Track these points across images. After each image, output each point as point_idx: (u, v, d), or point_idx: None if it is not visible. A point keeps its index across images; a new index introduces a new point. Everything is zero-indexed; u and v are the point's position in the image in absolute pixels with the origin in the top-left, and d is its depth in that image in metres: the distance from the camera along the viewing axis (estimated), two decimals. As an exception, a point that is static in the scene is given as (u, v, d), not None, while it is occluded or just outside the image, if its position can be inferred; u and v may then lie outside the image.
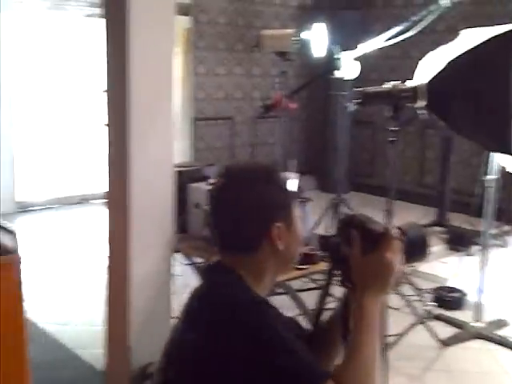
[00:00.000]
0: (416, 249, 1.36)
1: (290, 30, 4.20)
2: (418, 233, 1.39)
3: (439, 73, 3.20)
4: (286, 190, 1.39)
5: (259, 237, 1.33)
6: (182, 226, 2.86)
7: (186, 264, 3.03)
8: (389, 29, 3.90)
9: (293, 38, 4.12)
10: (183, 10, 5.89)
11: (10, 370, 1.92)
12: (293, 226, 1.37)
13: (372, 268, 1.29)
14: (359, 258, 1.31)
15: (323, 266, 2.80)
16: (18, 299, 1.94)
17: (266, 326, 1.20)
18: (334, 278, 1.40)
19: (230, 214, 1.35)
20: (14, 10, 5.67)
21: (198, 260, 2.90)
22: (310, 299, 3.32)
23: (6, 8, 5.51)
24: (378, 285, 1.29)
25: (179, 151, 5.90)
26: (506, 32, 3.01)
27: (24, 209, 5.94)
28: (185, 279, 3.15)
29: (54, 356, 3.24)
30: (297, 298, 2.88)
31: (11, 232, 2.02)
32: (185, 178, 2.96)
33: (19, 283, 1.93)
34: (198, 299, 1.33)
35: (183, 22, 6.08)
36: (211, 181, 2.94)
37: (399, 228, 1.36)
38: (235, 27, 6.48)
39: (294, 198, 1.41)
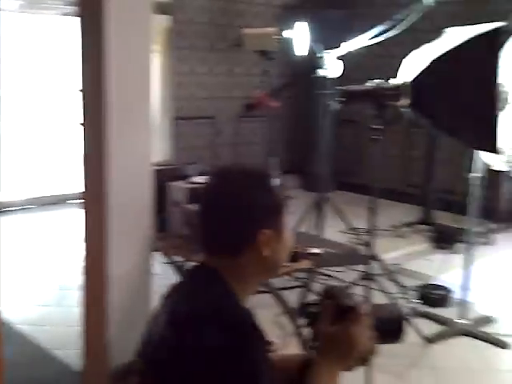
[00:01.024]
0: (389, 329, 1.38)
1: (272, 29, 4.18)
2: (393, 313, 1.41)
3: (423, 71, 3.19)
4: (278, 197, 1.38)
5: (246, 241, 1.32)
6: (162, 224, 2.82)
7: (166, 263, 2.99)
8: (372, 28, 3.90)
9: (275, 37, 4.10)
10: (162, 9, 5.84)
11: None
12: (281, 233, 1.36)
13: (336, 340, 1.30)
14: (326, 328, 1.31)
15: (306, 264, 2.78)
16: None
17: (248, 356, 1.19)
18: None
19: (218, 215, 1.34)
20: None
21: (178, 259, 2.86)
22: (293, 297, 3.30)
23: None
24: (338, 357, 1.30)
25: (159, 150, 5.86)
26: (489, 31, 3.00)
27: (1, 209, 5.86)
28: (164, 278, 3.10)
29: (31, 356, 3.20)
30: (279, 296, 2.85)
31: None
32: (164, 176, 2.93)
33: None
34: (180, 301, 1.31)
35: (162, 20, 6.03)
36: (195, 179, 2.91)
37: (375, 306, 1.39)
38: (216, 26, 6.45)
39: (285, 205, 1.39)
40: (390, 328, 1.38)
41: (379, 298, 3.47)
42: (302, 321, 1.84)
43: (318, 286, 3.65)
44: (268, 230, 1.32)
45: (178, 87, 6.25)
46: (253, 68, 6.16)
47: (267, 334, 1.28)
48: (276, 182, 1.40)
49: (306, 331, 1.39)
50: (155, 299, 2.53)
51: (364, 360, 1.34)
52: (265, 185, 1.37)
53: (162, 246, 2.79)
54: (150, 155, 2.63)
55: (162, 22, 6.01)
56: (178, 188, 2.89)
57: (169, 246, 2.81)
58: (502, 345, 3.43)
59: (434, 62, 3.16)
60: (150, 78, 2.62)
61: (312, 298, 3.33)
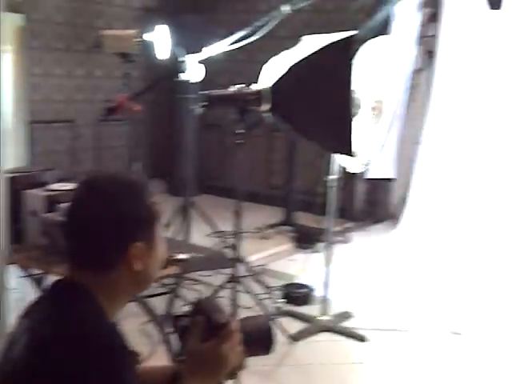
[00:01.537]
0: (259, 342, 1.39)
1: (131, 31, 4.11)
2: (263, 326, 1.42)
3: (281, 77, 3.29)
4: (150, 207, 1.31)
5: (116, 255, 1.25)
6: (17, 235, 2.65)
7: (22, 276, 2.82)
8: (233, 33, 3.96)
9: (135, 40, 4.04)
10: (14, 7, 5.51)
11: None
12: (154, 246, 1.30)
13: (205, 358, 1.28)
14: (196, 345, 1.28)
15: (173, 270, 2.75)
16: None
17: (115, 376, 1.14)
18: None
19: (86, 227, 1.25)
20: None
21: (36, 271, 2.71)
22: (160, 304, 3.25)
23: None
24: (207, 374, 1.28)
25: (13, 156, 5.52)
26: (342, 39, 3.15)
27: None
28: (21, 293, 2.94)
29: None
30: (145, 304, 2.80)
31: None
32: (20, 184, 2.75)
33: None
34: (42, 320, 1.21)
35: (14, 19, 5.69)
36: (53, 186, 2.77)
37: (244, 319, 1.39)
38: (73, 27, 6.20)
39: (157, 216, 1.32)
40: (260, 341, 1.39)
41: (245, 300, 3.52)
42: (171, 332, 1.83)
43: (185, 292, 3.65)
44: (140, 242, 1.26)
45: (33, 89, 5.93)
46: (114, 71, 5.99)
47: (133, 345, 1.24)
48: (148, 190, 1.34)
49: (176, 344, 1.37)
50: (12, 316, 2.38)
51: (233, 374, 1.34)
52: (134, 194, 1.30)
53: (18, 258, 2.62)
54: (2, 162, 2.46)
55: (14, 20, 5.67)
56: (35, 196, 2.73)
57: (25, 258, 2.65)
58: (360, 338, 3.62)
59: (292, 68, 3.27)
60: (1, 80, 2.46)
61: (180, 305, 3.32)
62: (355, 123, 3.18)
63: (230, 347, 1.29)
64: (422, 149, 5.86)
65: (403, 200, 5.99)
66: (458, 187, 5.60)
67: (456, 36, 5.59)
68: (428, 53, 5.84)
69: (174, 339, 1.36)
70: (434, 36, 5.74)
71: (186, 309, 1.37)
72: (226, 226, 4.19)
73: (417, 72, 5.86)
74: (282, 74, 3.31)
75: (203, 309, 1.33)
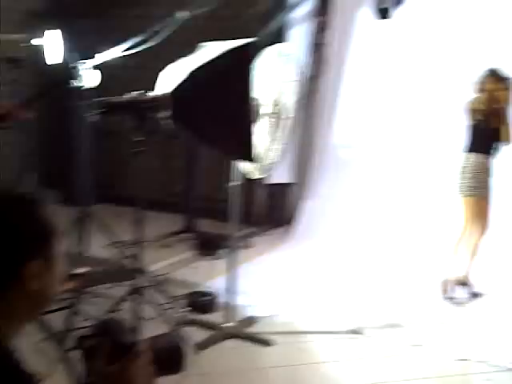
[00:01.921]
0: (170, 361, 1.35)
1: (18, 36, 3.92)
2: (173, 344, 1.39)
3: (181, 84, 3.25)
4: (44, 223, 1.23)
5: (8, 275, 1.17)
6: None
7: None
8: (128, 39, 3.87)
9: (22, 44, 3.85)
10: None
11: None
12: (51, 263, 1.22)
13: (113, 380, 1.22)
14: (103, 367, 1.22)
15: (71, 285, 2.64)
16: None
17: None
18: None
19: None
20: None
21: None
22: (57, 320, 3.11)
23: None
24: None
25: None
26: (242, 45, 3.16)
27: None
28: None
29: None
30: (41, 321, 2.66)
31: None
32: None
33: None
34: None
35: None
36: None
37: (153, 338, 1.34)
38: None
39: (53, 231, 1.24)
40: (171, 360, 1.35)
41: (149, 311, 3.44)
42: (71, 350, 1.74)
43: (85, 307, 3.50)
44: (35, 260, 1.19)
45: None
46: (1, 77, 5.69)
47: (29, 365, 1.16)
48: (41, 204, 1.26)
49: (81, 366, 1.30)
50: None
51: None
52: (26, 210, 1.22)
53: None
54: None
55: None
56: None
57: None
58: (265, 343, 3.64)
59: (191, 75, 3.24)
60: None
61: (79, 320, 3.19)
62: (256, 129, 3.20)
63: (139, 369, 1.24)
64: (318, 153, 6.02)
65: (300, 204, 6.11)
66: (354, 191, 5.80)
67: (346, 44, 5.78)
68: (321, 60, 6.01)
69: (79, 361, 1.29)
70: (325, 44, 5.92)
71: (90, 328, 1.30)
72: (126, 235, 4.07)
73: (312, 79, 6.02)
74: (181, 80, 3.27)
75: (109, 329, 1.27)
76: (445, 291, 4.34)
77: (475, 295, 4.35)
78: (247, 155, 3.14)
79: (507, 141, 4.17)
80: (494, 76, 4.18)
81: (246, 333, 3.74)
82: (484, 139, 4.21)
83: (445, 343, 3.68)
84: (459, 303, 4.28)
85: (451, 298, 4.31)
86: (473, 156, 4.21)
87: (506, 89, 4.16)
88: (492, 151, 4.23)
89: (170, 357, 1.35)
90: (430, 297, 4.36)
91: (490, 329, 3.90)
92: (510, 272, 4.72)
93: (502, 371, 3.38)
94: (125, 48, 3.89)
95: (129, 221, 3.44)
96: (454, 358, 3.52)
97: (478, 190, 4.21)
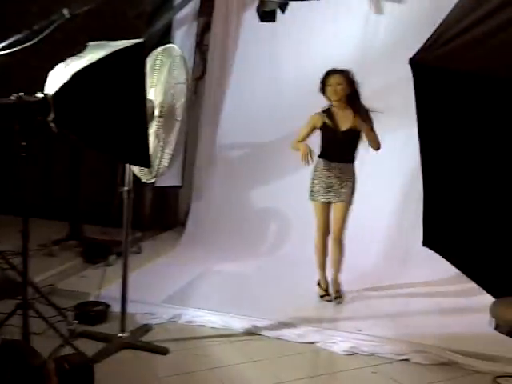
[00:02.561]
0: (78, 381, 1.28)
1: None
2: (81, 364, 1.31)
3: (64, 85, 3.08)
4: None
5: None
6: None
7: None
8: (6, 37, 3.65)
9: None
10: None
11: None
12: None
13: None
14: None
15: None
16: None
17: None
18: None
19: None
20: None
21: None
22: None
23: None
24: None
25: None
26: (132, 45, 3.05)
27: None
28: None
29: None
30: None
31: None
32: None
33: None
34: None
35: None
36: None
37: (59, 358, 1.26)
38: None
39: None
40: (80, 380, 1.28)
41: (37, 325, 3.26)
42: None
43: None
44: None
45: None
46: None
47: None
48: None
49: None
50: None
51: None
52: None
53: None
54: None
55: None
56: None
57: None
58: (162, 351, 3.55)
59: (76, 76, 3.08)
60: None
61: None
62: (149, 132, 3.11)
63: None
64: (205, 154, 5.99)
65: (188, 206, 6.07)
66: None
67: (230, 45, 5.79)
68: (205, 61, 5.99)
69: None
70: (209, 45, 5.91)
71: None
72: (6, 245, 3.83)
73: (197, 80, 5.99)
74: (64, 81, 3.10)
75: (14, 351, 1.17)
76: (322, 291, 4.52)
77: (342, 295, 4.52)
78: (145, 160, 3.05)
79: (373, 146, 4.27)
80: (334, 71, 4.25)
81: (142, 342, 3.64)
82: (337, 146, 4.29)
83: (334, 339, 3.79)
84: (339, 302, 4.44)
85: (329, 297, 4.48)
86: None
87: (347, 81, 4.25)
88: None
89: (78, 377, 1.29)
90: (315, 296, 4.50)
91: (375, 323, 4.08)
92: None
93: (389, 363, 3.56)
94: (2, 46, 3.66)
95: (15, 230, 3.22)
96: (344, 352, 3.65)
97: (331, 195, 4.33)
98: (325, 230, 4.42)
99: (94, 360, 3.23)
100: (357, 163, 4.39)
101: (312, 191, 4.38)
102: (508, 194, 2.65)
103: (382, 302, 4.50)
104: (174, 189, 6.14)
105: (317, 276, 4.55)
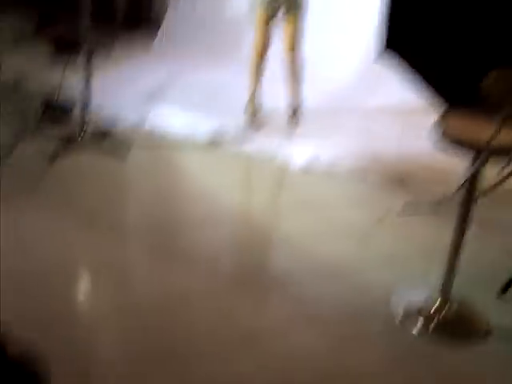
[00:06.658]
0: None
1: None
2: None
3: None
4: None
5: None
6: None
7: None
8: None
9: None
10: None
11: None
12: None
13: None
14: None
15: None
16: None
17: None
18: None
19: None
20: None
21: None
22: None
23: None
24: None
25: None
26: None
27: None
28: None
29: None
30: None
31: None
32: None
33: None
34: None
35: None
36: None
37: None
38: None
39: None
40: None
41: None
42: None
43: None
44: None
45: None
46: None
47: None
48: None
49: None
50: None
51: None
52: None
53: None
54: None
55: None
56: None
57: None
58: (121, 156, 3.57)
59: None
60: None
61: None
62: None
63: None
64: None
65: (167, 7, 5.74)
66: None
67: None
68: None
69: None
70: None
71: None
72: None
73: None
74: None
75: None
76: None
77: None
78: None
79: None
80: None
81: (102, 146, 3.64)
82: None
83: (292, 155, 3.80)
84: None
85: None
86: None
87: None
88: None
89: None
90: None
91: (334, 141, 4.01)
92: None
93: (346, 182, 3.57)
94: None
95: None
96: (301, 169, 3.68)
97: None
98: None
99: (50, 160, 3.27)
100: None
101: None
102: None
103: (344, 120, 4.37)
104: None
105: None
